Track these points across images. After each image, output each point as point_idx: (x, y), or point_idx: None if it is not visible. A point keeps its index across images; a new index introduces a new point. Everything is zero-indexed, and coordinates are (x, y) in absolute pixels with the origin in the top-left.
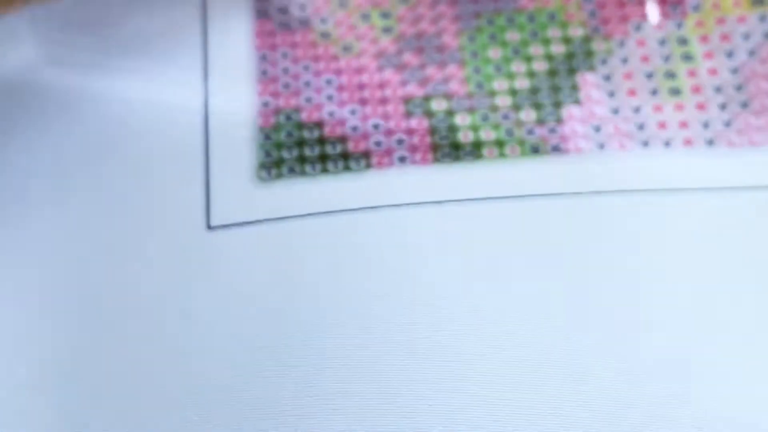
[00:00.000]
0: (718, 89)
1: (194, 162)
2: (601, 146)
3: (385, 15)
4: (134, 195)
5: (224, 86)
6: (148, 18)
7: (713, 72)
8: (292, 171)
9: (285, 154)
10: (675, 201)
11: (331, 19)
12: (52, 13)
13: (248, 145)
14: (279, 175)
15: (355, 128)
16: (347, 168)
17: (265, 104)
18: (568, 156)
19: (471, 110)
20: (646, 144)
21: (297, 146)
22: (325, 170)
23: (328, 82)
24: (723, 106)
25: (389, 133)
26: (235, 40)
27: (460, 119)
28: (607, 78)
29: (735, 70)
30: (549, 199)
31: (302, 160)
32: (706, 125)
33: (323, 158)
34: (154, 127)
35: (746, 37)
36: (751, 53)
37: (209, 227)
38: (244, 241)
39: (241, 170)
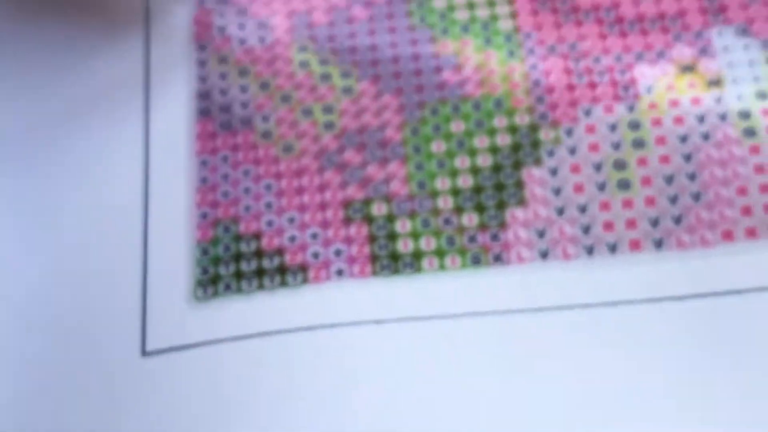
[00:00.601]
0: (670, 179)
1: (131, 282)
2: (545, 255)
3: (328, 109)
4: (69, 317)
5: (163, 196)
6: (89, 120)
7: (665, 159)
8: (228, 288)
9: (222, 270)
10: (619, 314)
11: (273, 117)
12: None
13: (185, 261)
14: (215, 294)
15: (293, 238)
16: (284, 283)
17: (204, 215)
18: (509, 267)
19: (412, 214)
20: (590, 251)
21: (234, 261)
22: (261, 286)
23: (268, 187)
24: (674, 199)
25: (327, 242)
26: (176, 143)
27: (400, 225)
28: (554, 172)
29: (688, 157)
30: (489, 317)
31: (239, 275)
32: (655, 223)
33: (260, 273)
34: (92, 244)
35: (701, 119)
36: (705, 137)
37: (144, 353)
38: (180, 366)
39: (178, 289)
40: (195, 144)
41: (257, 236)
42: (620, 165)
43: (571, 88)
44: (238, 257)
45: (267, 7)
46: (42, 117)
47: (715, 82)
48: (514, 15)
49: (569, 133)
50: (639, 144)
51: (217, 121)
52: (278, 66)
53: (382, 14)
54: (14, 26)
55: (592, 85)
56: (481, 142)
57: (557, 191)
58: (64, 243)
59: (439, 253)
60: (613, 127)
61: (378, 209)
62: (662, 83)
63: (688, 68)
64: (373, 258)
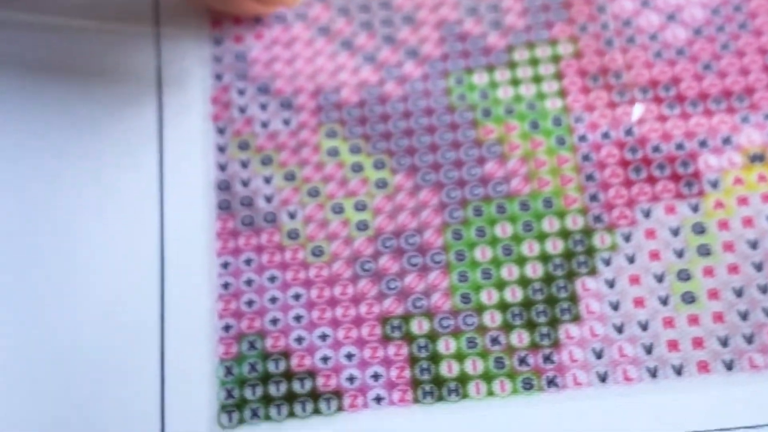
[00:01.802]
0: (740, 292)
1: (148, 407)
2: (603, 378)
3: (360, 206)
4: None
5: (181, 305)
6: (103, 212)
7: (734, 269)
8: (255, 415)
9: (248, 393)
10: None
11: (300, 213)
12: None
13: (207, 381)
14: (241, 421)
15: (325, 359)
16: (317, 411)
17: (226, 328)
18: (565, 392)
19: (456, 333)
20: (654, 374)
21: (261, 383)
22: (292, 414)
23: (296, 296)
24: (745, 315)
25: (364, 364)
26: (194, 242)
27: (443, 345)
28: (611, 284)
29: (759, 266)
30: None
31: (267, 400)
32: (724, 342)
33: (290, 398)
34: (107, 366)
35: None
36: None
37: None
38: None
39: (200, 415)
40: (215, 243)
41: (286, 354)
42: (684, 276)
43: (628, 183)
44: (265, 379)
45: (291, 84)
46: (52, 200)
47: None
48: (563, 93)
49: (627, 238)
50: (705, 251)
51: (238, 217)
52: (305, 154)
53: (418, 92)
54: (39, 92)
55: (652, 180)
56: (530, 248)
57: (615, 306)
58: (76, 371)
59: (487, 378)
60: (675, 232)
61: (419, 326)
62: (729, 176)
63: (758, 157)
64: (415, 383)
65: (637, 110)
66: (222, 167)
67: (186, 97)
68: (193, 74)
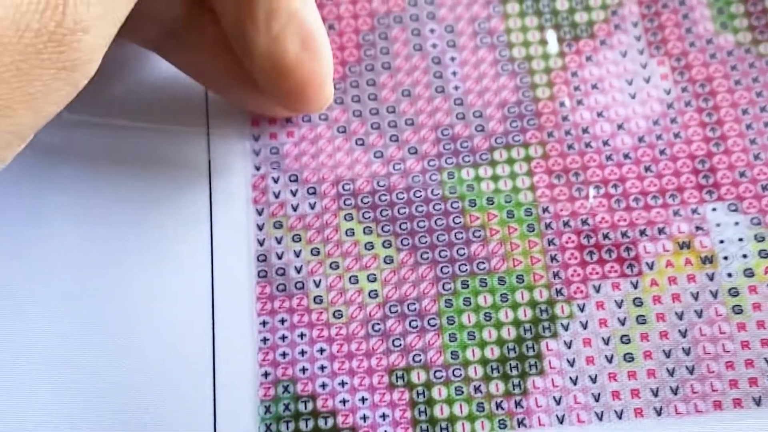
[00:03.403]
0: (668, 354)
1: None
2: (561, 420)
3: (372, 278)
4: None
5: (229, 355)
6: (158, 274)
7: (664, 335)
8: None
9: (283, 428)
10: None
11: (324, 282)
12: None
13: (251, 418)
14: None
15: (344, 401)
16: None
17: (265, 375)
18: (532, 431)
19: (446, 382)
20: (600, 417)
21: (294, 420)
22: None
23: (321, 350)
24: (672, 372)
25: (374, 406)
26: (239, 304)
27: (437, 392)
28: (569, 345)
29: (684, 333)
30: None
31: None
32: (655, 393)
33: None
34: (166, 398)
35: (695, 297)
36: (699, 314)
37: None
38: None
39: None
40: (255, 305)
41: (313, 397)
42: (626, 339)
43: (583, 264)
44: (296, 416)
45: (316, 174)
46: (115, 266)
47: (709, 260)
48: (533, 188)
49: (582, 308)
50: (642, 320)
51: (274, 284)
52: (327, 233)
53: (418, 184)
54: (111, 182)
55: (602, 262)
56: (506, 315)
57: (572, 362)
58: (142, 393)
59: (471, 419)
60: (619, 304)
61: (417, 377)
62: (662, 260)
63: (686, 245)
64: (414, 422)
65: (592, 194)
66: (260, 242)
67: (231, 184)
68: (237, 165)
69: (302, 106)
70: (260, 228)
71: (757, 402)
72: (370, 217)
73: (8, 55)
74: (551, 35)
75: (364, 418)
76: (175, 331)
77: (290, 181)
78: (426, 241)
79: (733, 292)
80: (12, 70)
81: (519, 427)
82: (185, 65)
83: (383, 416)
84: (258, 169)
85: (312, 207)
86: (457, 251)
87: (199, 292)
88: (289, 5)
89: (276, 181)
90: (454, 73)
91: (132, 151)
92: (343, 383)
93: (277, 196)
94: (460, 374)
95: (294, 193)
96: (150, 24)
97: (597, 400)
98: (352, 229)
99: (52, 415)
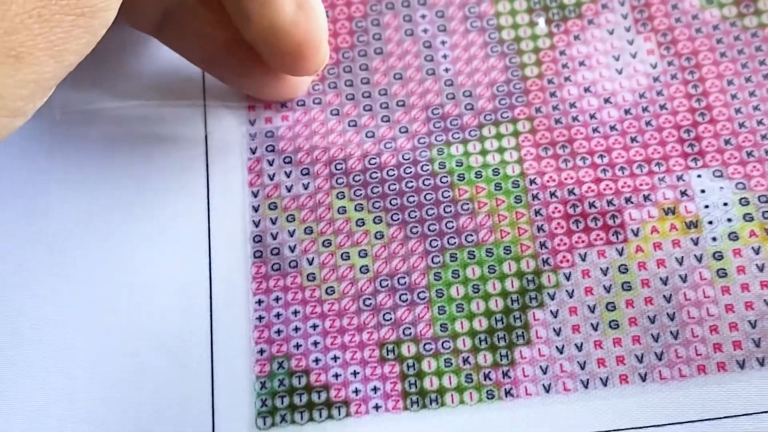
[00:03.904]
0: (653, 319)
1: (202, 411)
2: (548, 389)
3: (363, 254)
4: None
5: (227, 334)
6: (158, 256)
7: (649, 301)
8: (284, 420)
9: (278, 403)
10: None
11: (317, 260)
12: None
13: (248, 393)
14: (273, 424)
15: (336, 375)
16: (330, 416)
17: (261, 351)
18: (518, 401)
19: (436, 355)
20: (586, 385)
21: (288, 394)
22: (311, 418)
23: (314, 327)
24: (656, 338)
25: (366, 380)
26: (236, 283)
27: (426, 365)
28: (555, 314)
29: (668, 298)
30: None
31: (292, 408)
32: (640, 359)
33: (310, 406)
34: (167, 373)
35: (680, 261)
36: (683, 279)
37: None
38: None
39: (243, 419)
40: (251, 284)
41: (306, 372)
42: (611, 307)
43: (569, 233)
44: (291, 391)
45: (309, 155)
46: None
47: (694, 225)
48: (521, 161)
49: (568, 277)
50: (627, 287)
51: (269, 263)
52: (320, 212)
53: (408, 161)
54: (113, 158)
55: (588, 230)
56: (493, 286)
57: (558, 332)
58: (142, 370)
59: (459, 390)
60: (605, 272)
61: (408, 350)
62: (648, 226)
63: (670, 210)
64: (405, 394)
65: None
66: (256, 223)
67: (227, 166)
68: (233, 150)
69: (301, 66)
70: (256, 210)
71: (741, 365)
72: (361, 194)
73: (30, 2)
74: (540, 17)
75: (356, 391)
76: (173, 311)
77: (285, 163)
78: (415, 216)
79: (718, 256)
80: (34, 16)
81: (506, 397)
82: (184, 48)
83: (374, 389)
84: (253, 152)
85: (305, 187)
86: (446, 224)
87: (197, 273)
88: None
89: (271, 163)
90: (445, 56)
91: (130, 137)
92: (335, 358)
93: (272, 178)
94: (449, 346)
95: (288, 175)
96: (150, 4)
97: (583, 368)
98: (344, 207)
99: (52, 381)
